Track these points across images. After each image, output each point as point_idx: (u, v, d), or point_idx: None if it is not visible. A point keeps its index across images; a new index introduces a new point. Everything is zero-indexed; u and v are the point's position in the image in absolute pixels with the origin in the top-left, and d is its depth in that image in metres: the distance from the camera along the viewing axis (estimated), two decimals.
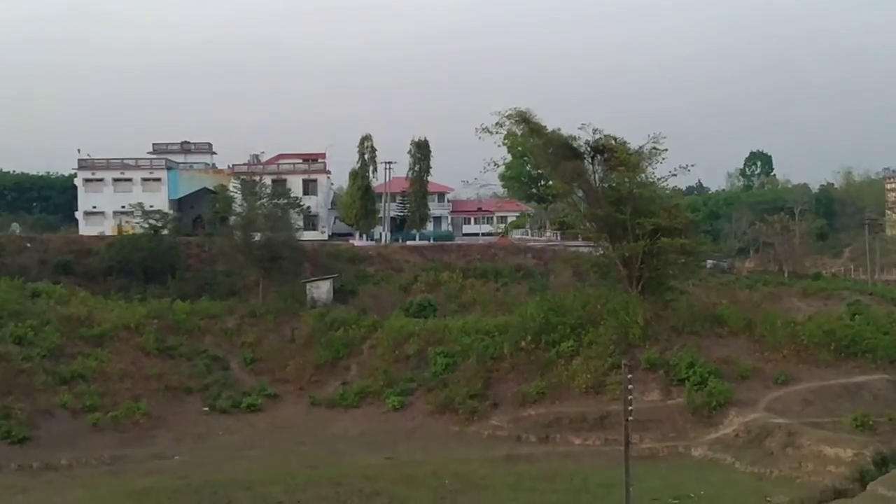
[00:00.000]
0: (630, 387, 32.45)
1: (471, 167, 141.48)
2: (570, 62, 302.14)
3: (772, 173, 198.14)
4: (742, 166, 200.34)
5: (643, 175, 66.25)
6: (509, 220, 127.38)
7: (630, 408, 30.86)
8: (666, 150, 65.49)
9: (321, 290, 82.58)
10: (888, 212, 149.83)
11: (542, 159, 74.74)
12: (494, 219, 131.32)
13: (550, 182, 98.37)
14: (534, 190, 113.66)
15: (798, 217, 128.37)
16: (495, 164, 74.60)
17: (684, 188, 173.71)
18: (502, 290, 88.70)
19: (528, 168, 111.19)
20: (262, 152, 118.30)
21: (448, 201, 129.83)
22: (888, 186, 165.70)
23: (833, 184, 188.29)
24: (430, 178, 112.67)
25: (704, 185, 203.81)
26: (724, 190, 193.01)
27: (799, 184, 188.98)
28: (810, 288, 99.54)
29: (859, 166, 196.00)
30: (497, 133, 68.37)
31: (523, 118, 66.46)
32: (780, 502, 43.33)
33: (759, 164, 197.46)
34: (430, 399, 61.78)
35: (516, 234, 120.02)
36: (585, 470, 49.63)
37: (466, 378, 62.18)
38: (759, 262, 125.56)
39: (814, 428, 50.87)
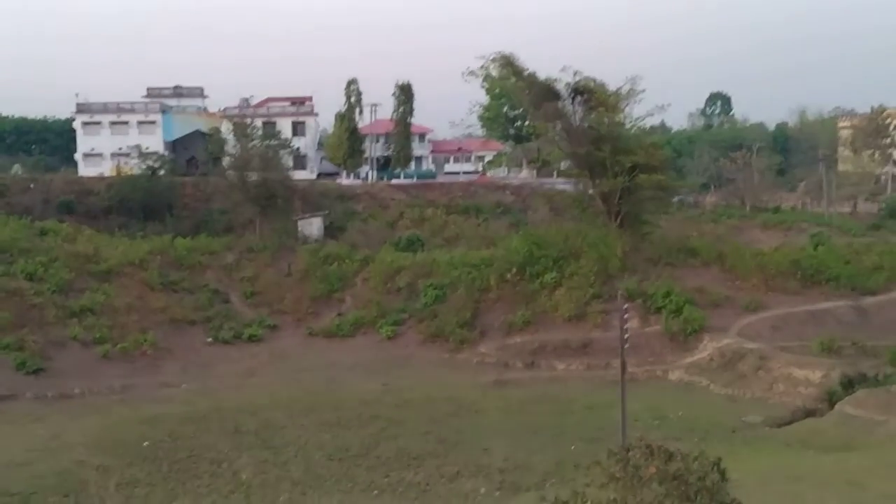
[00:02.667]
0: (626, 316, 32.08)
1: (447, 107, 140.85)
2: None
3: (731, 113, 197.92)
4: (703, 106, 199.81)
5: (621, 115, 65.90)
6: (487, 159, 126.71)
7: (626, 336, 30.56)
8: (644, 90, 65.28)
9: (313, 226, 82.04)
10: (841, 148, 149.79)
11: (525, 100, 74.07)
12: (473, 157, 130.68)
13: (528, 122, 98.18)
14: (511, 130, 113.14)
15: (756, 154, 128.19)
16: (480, 107, 74.20)
17: (648, 127, 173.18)
18: (483, 225, 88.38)
19: (505, 109, 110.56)
20: (252, 96, 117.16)
21: (429, 141, 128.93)
22: (841, 125, 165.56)
23: (788, 123, 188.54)
24: (412, 120, 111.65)
25: (667, 125, 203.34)
26: (685, 129, 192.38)
27: (756, 123, 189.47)
28: (771, 221, 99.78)
29: (812, 106, 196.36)
30: (480, 76, 67.78)
31: (508, 61, 65.74)
32: (753, 421, 43.73)
33: (718, 104, 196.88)
34: (422, 328, 61.71)
35: (494, 173, 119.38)
36: (570, 393, 50.07)
37: (455, 308, 62.05)
38: (721, 197, 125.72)
39: (783, 352, 51.27)
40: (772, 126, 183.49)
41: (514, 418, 45.07)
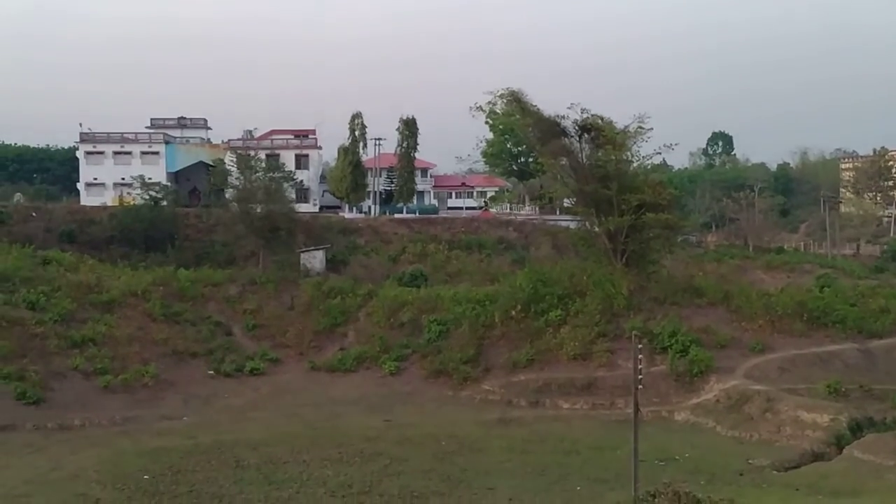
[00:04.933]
0: (640, 357, 31.89)
1: (451, 143, 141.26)
2: (542, 42, 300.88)
3: (732, 153, 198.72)
4: (704, 146, 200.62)
5: (629, 153, 66.00)
6: (489, 194, 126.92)
7: (640, 377, 30.40)
8: (651, 129, 65.47)
9: (315, 259, 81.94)
10: (843, 190, 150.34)
11: (531, 137, 74.27)
12: (475, 193, 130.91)
13: (532, 159, 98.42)
14: (514, 166, 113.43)
15: (758, 194, 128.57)
16: (485, 142, 74.42)
17: (650, 166, 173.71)
18: (486, 261, 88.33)
19: (508, 145, 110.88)
20: (256, 128, 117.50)
21: (431, 176, 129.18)
22: (843, 166, 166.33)
23: (789, 163, 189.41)
24: (415, 155, 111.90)
25: (669, 164, 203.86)
26: (687, 168, 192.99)
27: (758, 163, 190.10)
28: (774, 261, 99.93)
29: (814, 147, 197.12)
30: (486, 111, 68.04)
31: (514, 97, 66.02)
32: (760, 464, 43.27)
33: (720, 143, 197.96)
34: (425, 364, 61.37)
35: (497, 209, 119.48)
36: (574, 433, 49.59)
37: (459, 345, 61.77)
38: (723, 237, 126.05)
39: (790, 394, 50.93)
40: (773, 166, 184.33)
41: (518, 457, 44.66)
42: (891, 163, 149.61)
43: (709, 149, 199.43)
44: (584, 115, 64.40)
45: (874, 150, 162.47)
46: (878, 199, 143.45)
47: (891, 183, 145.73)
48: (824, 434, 46.05)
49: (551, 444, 47.25)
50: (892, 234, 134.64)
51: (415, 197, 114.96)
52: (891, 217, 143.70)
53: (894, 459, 41.27)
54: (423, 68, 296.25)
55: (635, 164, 68.88)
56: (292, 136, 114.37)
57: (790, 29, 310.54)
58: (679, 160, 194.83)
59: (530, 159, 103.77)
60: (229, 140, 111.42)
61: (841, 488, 38.51)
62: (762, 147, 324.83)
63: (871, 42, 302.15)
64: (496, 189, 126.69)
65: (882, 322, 61.86)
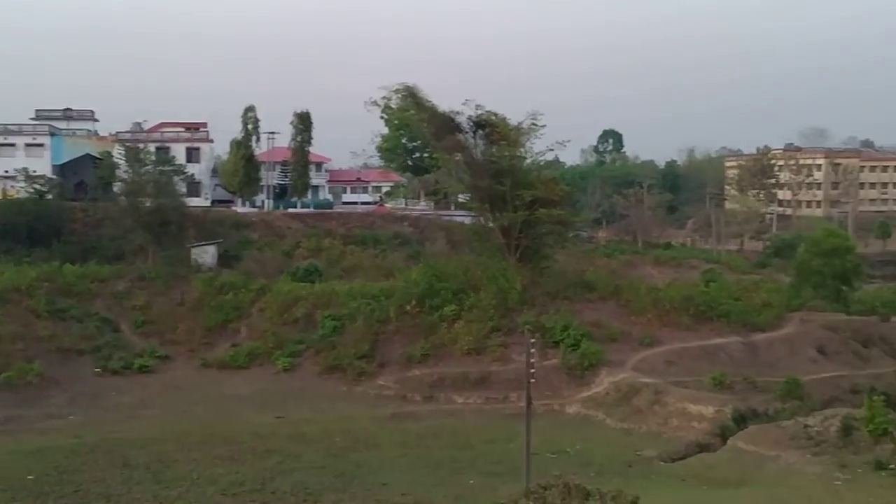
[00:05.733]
0: (533, 351, 32.20)
1: (346, 137, 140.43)
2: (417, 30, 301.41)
3: (622, 150, 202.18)
4: (596, 143, 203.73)
5: (522, 149, 66.57)
6: (385, 189, 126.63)
7: (533, 371, 30.72)
8: (544, 126, 66.09)
9: (207, 254, 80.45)
10: (727, 187, 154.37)
11: (426, 132, 74.28)
12: (371, 188, 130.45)
13: (427, 154, 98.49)
14: (409, 161, 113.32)
15: (647, 191, 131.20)
16: (381, 137, 74.16)
17: (543, 163, 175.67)
18: (381, 256, 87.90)
19: (404, 140, 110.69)
20: (145, 120, 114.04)
21: (326, 171, 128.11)
22: (728, 164, 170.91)
23: (677, 161, 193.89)
24: (310, 149, 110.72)
25: (561, 160, 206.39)
26: (579, 165, 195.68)
27: (647, 160, 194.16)
28: (662, 257, 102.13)
29: (700, 145, 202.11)
30: (382, 106, 67.81)
31: (410, 93, 65.92)
32: (648, 455, 44.30)
33: (611, 141, 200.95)
34: (319, 360, 61.01)
35: (393, 204, 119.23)
36: (468, 427, 50.08)
37: (354, 340, 61.52)
38: (613, 232, 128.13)
39: (677, 387, 52.22)
40: (661, 164, 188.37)
41: (412, 452, 45.00)
42: (773, 161, 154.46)
43: (600, 146, 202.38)
44: (479, 112, 64.81)
45: (758, 149, 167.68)
46: (762, 196, 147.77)
47: (773, 181, 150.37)
48: (710, 425, 47.45)
49: (445, 438, 47.66)
50: (774, 230, 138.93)
51: (309, 191, 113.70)
52: (773, 214, 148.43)
53: (776, 450, 42.75)
54: (318, 63, 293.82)
55: (529, 161, 69.50)
56: (183, 129, 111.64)
57: (679, 32, 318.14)
58: (571, 157, 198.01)
59: (426, 154, 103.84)
60: (117, 132, 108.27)
61: (725, 478, 39.71)
62: (651, 145, 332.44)
63: (753, 47, 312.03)
64: (392, 184, 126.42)
65: (765, 316, 63.72)
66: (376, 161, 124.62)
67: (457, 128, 65.62)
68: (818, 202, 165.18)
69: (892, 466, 39.89)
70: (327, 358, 60.72)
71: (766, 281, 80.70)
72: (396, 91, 65.86)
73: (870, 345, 62.16)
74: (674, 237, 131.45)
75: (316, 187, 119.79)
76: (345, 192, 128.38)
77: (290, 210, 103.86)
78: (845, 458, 41.29)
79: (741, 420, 47.95)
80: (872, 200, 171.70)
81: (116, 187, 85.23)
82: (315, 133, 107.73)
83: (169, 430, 48.14)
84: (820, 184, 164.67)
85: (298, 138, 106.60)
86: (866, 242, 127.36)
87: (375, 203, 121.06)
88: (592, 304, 64.20)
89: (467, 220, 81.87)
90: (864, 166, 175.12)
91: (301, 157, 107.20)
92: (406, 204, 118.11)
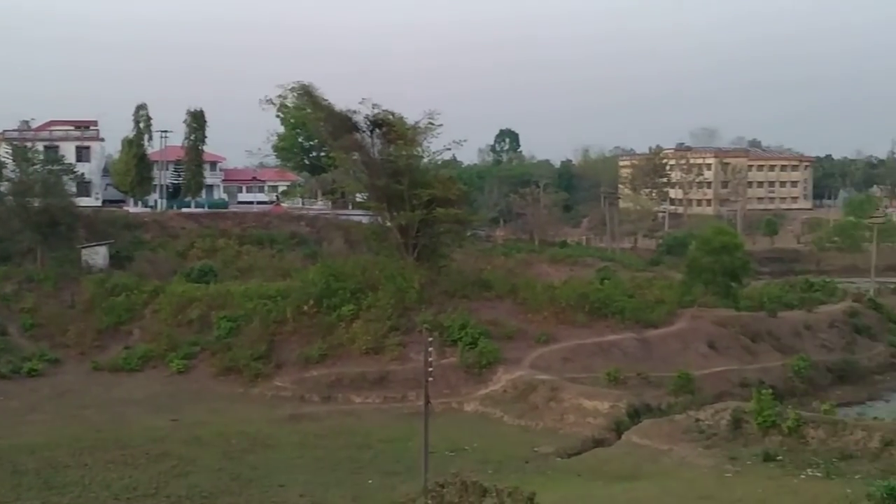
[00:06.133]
0: (431, 349, 32.32)
1: (241, 136, 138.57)
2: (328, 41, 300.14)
3: (519, 150, 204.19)
4: (492, 143, 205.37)
5: (419, 148, 66.73)
6: (281, 189, 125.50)
7: (430, 369, 30.82)
8: (441, 125, 66.38)
9: (98, 255, 78.64)
10: (621, 186, 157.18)
11: (322, 131, 73.87)
12: (267, 187, 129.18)
13: (324, 153, 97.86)
14: (306, 161, 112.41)
15: (543, 190, 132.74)
16: (277, 136, 73.48)
17: (440, 162, 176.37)
18: (278, 256, 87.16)
19: (300, 139, 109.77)
20: (33, 119, 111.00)
21: (220, 170, 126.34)
22: (621, 163, 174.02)
23: (572, 160, 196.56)
24: (204, 148, 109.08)
25: (458, 160, 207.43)
26: (476, 164, 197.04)
27: (543, 160, 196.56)
28: (558, 255, 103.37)
29: (595, 145, 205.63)
30: (278, 105, 67.24)
31: (306, 91, 65.56)
32: (545, 452, 44.94)
33: (507, 140, 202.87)
34: (215, 362, 60.32)
35: (289, 203, 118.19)
36: (366, 427, 50.10)
37: (250, 341, 60.95)
38: (510, 231, 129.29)
39: (573, 383, 53.05)
40: (557, 163, 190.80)
41: (310, 453, 44.91)
42: (665, 161, 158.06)
43: (496, 146, 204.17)
44: (376, 111, 64.78)
45: (650, 149, 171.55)
46: (654, 195, 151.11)
47: (665, 180, 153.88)
48: (605, 420, 48.38)
49: (343, 438, 47.64)
50: (666, 228, 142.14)
51: (203, 191, 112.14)
52: (665, 212, 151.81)
53: (669, 444, 43.86)
54: (212, 58, 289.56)
55: (426, 160, 69.89)
56: (73, 128, 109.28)
57: (571, 31, 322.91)
58: (468, 156, 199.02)
59: (322, 154, 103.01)
60: (4, 131, 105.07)
61: (620, 472, 40.59)
62: (547, 145, 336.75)
63: (644, 44, 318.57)
64: (288, 183, 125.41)
65: (658, 312, 65.05)
66: (272, 160, 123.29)
67: (354, 127, 65.54)
68: (708, 201, 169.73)
69: (779, 458, 41.29)
70: (223, 359, 60.06)
71: (658, 278, 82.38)
72: (292, 90, 65.46)
73: (758, 339, 63.96)
74: (569, 236, 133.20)
75: (210, 187, 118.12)
76: (240, 192, 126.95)
77: (184, 210, 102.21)
78: (735, 450, 42.64)
79: (635, 415, 49.04)
80: (760, 199, 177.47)
81: (3, 187, 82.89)
82: (210, 133, 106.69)
83: (60, 436, 47.11)
84: (710, 183, 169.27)
85: (192, 137, 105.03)
86: (754, 240, 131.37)
87: (272, 203, 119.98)
88: (490, 303, 64.70)
89: (365, 220, 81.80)
90: (751, 165, 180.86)
91: (195, 156, 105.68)
92: (303, 203, 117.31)
